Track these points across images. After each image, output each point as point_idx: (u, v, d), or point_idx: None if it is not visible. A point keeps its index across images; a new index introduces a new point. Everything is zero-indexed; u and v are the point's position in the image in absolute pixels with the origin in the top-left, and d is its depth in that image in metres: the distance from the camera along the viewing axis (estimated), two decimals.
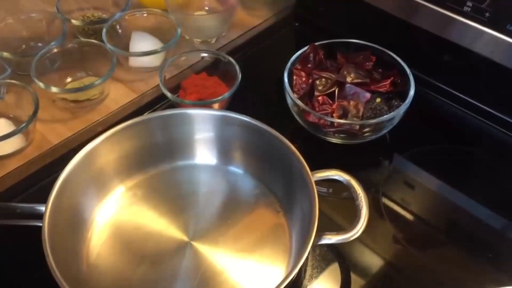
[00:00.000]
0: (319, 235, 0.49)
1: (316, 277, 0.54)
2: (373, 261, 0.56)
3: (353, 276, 0.55)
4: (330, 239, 0.49)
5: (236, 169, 0.61)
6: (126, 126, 0.57)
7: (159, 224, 0.56)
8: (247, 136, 0.58)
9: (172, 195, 0.59)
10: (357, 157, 0.66)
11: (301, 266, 0.46)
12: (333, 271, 0.55)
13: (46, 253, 0.45)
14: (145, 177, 0.60)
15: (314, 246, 0.47)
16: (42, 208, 0.50)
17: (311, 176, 0.51)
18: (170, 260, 0.53)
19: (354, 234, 0.49)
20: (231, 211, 0.57)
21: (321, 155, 0.65)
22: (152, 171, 0.60)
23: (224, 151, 0.61)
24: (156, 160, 0.60)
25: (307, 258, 0.47)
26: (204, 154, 0.61)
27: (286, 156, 0.54)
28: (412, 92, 0.63)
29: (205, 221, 0.56)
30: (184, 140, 0.60)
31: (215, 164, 0.61)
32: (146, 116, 0.60)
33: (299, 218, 0.54)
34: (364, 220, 0.50)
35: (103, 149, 0.56)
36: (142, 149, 0.59)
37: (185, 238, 0.55)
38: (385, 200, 0.61)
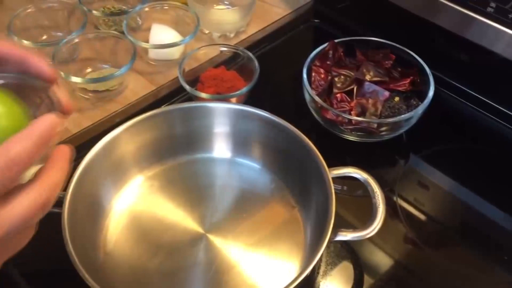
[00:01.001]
0: (334, 232, 0.49)
1: (330, 273, 0.54)
2: (386, 260, 0.56)
3: (366, 274, 0.55)
4: (346, 236, 0.49)
5: (253, 164, 0.61)
6: (147, 117, 0.57)
7: (175, 215, 0.56)
8: (265, 131, 0.58)
9: (189, 187, 0.59)
10: (373, 155, 0.66)
11: (316, 262, 0.46)
12: (346, 268, 0.55)
13: (65, 240, 0.46)
14: (163, 168, 0.60)
15: (329, 242, 0.47)
16: (61, 195, 0.51)
17: (328, 172, 0.51)
18: (185, 252, 0.54)
19: (370, 232, 0.49)
20: (246, 205, 0.58)
21: (337, 152, 0.65)
22: (170, 162, 0.61)
23: (241, 145, 0.61)
24: (175, 152, 0.61)
25: (322, 254, 0.47)
26: (221, 148, 0.62)
27: (304, 152, 0.54)
28: (431, 92, 0.62)
29: (220, 214, 0.57)
30: (203, 133, 0.60)
31: (232, 158, 0.62)
32: (166, 107, 0.60)
33: (314, 214, 0.54)
34: (380, 219, 0.50)
35: (123, 139, 0.56)
36: (161, 140, 0.59)
37: (200, 230, 0.55)
38: (400, 200, 0.61)
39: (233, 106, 0.60)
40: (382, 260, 0.56)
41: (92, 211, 0.54)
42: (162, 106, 0.63)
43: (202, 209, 0.57)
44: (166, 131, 0.59)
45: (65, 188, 0.50)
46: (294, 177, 0.58)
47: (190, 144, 0.61)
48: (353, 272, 0.55)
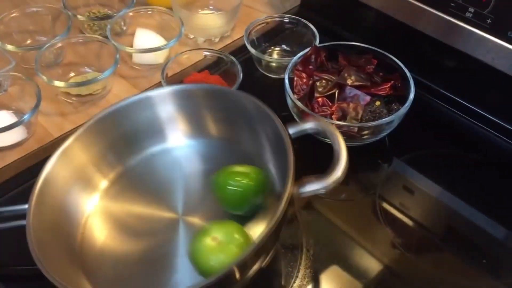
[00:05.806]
0: (300, 183, 0.47)
1: (310, 277, 0.54)
2: (368, 264, 0.56)
3: (348, 279, 0.55)
4: (313, 183, 0.47)
5: (209, 140, 0.60)
6: (94, 122, 0.56)
7: (149, 208, 0.56)
8: (212, 103, 0.57)
9: (155, 180, 0.58)
10: (356, 159, 0.65)
11: (285, 210, 0.44)
12: (326, 272, 0.55)
13: (31, 250, 0.45)
14: (125, 168, 0.59)
15: (301, 195, 0.46)
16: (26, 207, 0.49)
17: (285, 129, 0.50)
18: (165, 238, 0.53)
19: (337, 179, 0.46)
20: None
21: (319, 156, 0.64)
22: (130, 161, 0.59)
23: (193, 125, 0.60)
24: (131, 150, 0.59)
25: (292, 200, 0.45)
26: (174, 134, 0.60)
27: (257, 114, 0.54)
28: (411, 96, 0.63)
29: (192, 196, 0.56)
30: (152, 124, 0.59)
31: (187, 141, 0.60)
32: (108, 108, 0.58)
33: (280, 175, 0.54)
34: (344, 162, 0.47)
35: (77, 148, 0.55)
36: (114, 141, 0.58)
37: (176, 215, 0.55)
38: (383, 204, 0.61)
39: (173, 87, 0.58)
40: (364, 264, 0.56)
41: (62, 220, 0.53)
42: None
43: (173, 197, 0.56)
44: (116, 131, 0.58)
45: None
46: (253, 142, 0.57)
47: (143, 139, 0.60)
48: (334, 276, 0.55)
